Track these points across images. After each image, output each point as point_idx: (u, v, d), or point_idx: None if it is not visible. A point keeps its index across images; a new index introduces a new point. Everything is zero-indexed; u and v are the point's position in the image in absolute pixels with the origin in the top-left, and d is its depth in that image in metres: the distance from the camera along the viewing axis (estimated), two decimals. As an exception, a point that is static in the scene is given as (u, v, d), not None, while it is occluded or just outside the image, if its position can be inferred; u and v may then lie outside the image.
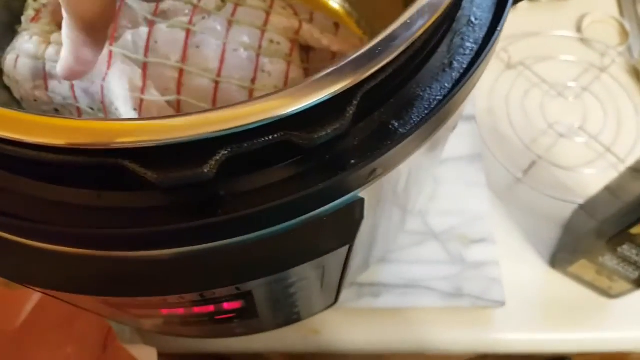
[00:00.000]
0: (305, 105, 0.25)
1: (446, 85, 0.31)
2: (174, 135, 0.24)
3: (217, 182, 0.26)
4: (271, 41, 0.47)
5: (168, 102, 0.45)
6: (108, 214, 0.27)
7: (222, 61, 0.45)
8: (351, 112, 0.27)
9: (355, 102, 0.27)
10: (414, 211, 0.71)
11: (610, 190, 0.65)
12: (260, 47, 0.46)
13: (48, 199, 0.28)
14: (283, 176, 0.29)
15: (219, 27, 0.45)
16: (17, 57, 0.48)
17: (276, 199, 0.27)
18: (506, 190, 0.76)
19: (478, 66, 0.31)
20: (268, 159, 0.28)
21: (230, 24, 0.46)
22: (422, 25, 0.27)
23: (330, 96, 0.26)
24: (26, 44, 0.47)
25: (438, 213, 0.71)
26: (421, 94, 0.31)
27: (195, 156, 0.25)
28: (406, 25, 0.27)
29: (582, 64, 0.87)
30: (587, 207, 0.69)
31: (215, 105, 0.45)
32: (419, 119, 0.30)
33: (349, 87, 0.26)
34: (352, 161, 0.29)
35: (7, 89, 0.50)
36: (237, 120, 0.24)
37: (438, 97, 0.31)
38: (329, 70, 0.26)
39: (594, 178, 0.75)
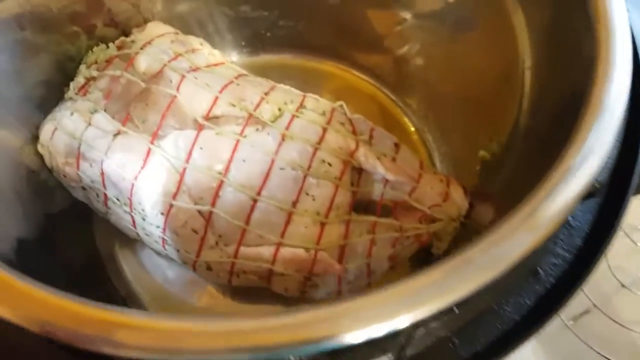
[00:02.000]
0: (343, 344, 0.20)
1: (527, 301, 0.25)
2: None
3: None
4: (322, 161, 0.43)
5: (199, 211, 0.41)
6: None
7: (266, 179, 0.41)
8: (404, 342, 0.21)
9: (411, 331, 0.22)
10: None
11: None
12: (309, 167, 0.42)
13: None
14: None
15: (271, 141, 0.41)
16: (55, 129, 0.45)
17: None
18: (552, 336, 0.68)
19: (573, 285, 0.25)
20: None
21: (283, 138, 0.42)
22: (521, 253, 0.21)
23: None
24: (66, 119, 0.44)
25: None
26: (495, 307, 0.25)
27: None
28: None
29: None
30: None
31: (248, 224, 0.41)
32: (486, 343, 0.24)
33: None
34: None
35: (40, 155, 0.47)
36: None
37: (515, 318, 0.25)
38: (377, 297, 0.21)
39: (653, 342, 0.67)
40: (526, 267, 0.26)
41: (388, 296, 0.20)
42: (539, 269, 0.26)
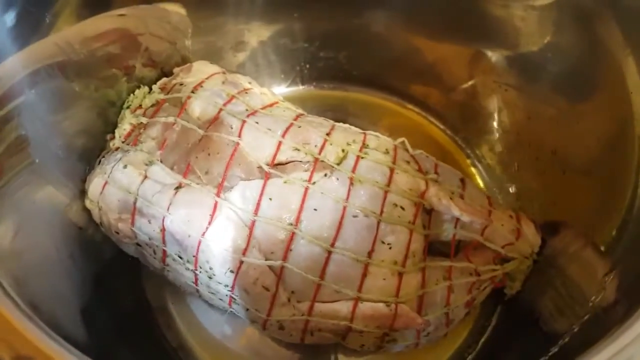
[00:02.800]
0: None
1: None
2: None
3: None
4: (394, 205, 0.40)
5: (270, 267, 0.38)
6: None
7: (339, 228, 0.38)
8: None
9: None
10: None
11: None
12: (382, 212, 0.39)
13: None
14: None
15: (340, 187, 0.38)
16: (106, 183, 0.42)
17: None
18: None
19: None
20: None
21: (352, 182, 0.39)
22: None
23: None
24: (118, 173, 0.41)
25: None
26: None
27: None
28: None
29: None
30: None
31: (323, 278, 0.38)
32: None
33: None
34: None
35: (87, 211, 0.45)
36: None
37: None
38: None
39: None
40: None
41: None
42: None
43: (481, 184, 0.55)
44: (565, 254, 0.44)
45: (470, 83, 0.53)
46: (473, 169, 0.56)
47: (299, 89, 0.62)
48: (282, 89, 0.61)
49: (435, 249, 0.44)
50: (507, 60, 0.50)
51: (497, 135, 0.54)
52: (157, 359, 0.48)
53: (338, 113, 0.59)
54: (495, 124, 0.53)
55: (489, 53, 0.50)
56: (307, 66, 0.61)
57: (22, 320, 0.24)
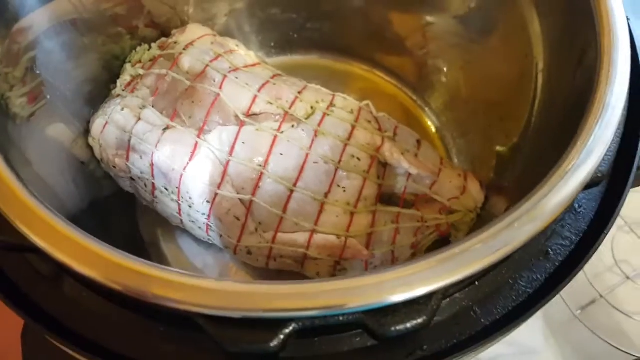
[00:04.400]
0: (391, 302, 0.24)
1: (538, 277, 0.29)
2: (250, 308, 0.23)
3: (282, 350, 0.25)
4: (352, 156, 0.46)
5: (241, 200, 0.45)
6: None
7: (301, 171, 0.45)
8: (435, 307, 0.25)
9: (441, 298, 0.25)
10: None
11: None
12: (340, 161, 0.46)
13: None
14: (350, 347, 0.28)
15: (305, 137, 0.45)
16: (106, 123, 0.49)
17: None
18: (561, 326, 0.71)
19: (578, 264, 0.29)
20: (336, 330, 0.27)
21: (316, 134, 0.46)
22: (530, 233, 0.25)
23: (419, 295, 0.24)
24: (117, 114, 0.48)
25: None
26: (510, 281, 0.29)
27: (266, 329, 0.24)
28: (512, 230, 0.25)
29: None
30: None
31: (285, 212, 0.45)
32: (503, 313, 0.28)
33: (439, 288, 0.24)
34: (425, 347, 0.27)
35: (90, 148, 0.52)
36: (317, 302, 0.23)
37: (528, 291, 0.29)
38: (417, 266, 0.25)
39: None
40: (537, 248, 0.30)
41: (425, 266, 0.24)
42: (549, 249, 0.30)
43: (442, 148, 0.62)
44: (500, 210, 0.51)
45: (425, 50, 0.61)
46: (437, 137, 0.63)
47: (288, 57, 0.68)
48: (273, 59, 0.67)
49: (392, 202, 0.50)
50: (444, 26, 0.58)
51: (449, 97, 0.61)
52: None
53: (321, 81, 0.65)
54: (444, 85, 0.62)
55: (433, 20, 0.59)
56: (296, 36, 0.66)
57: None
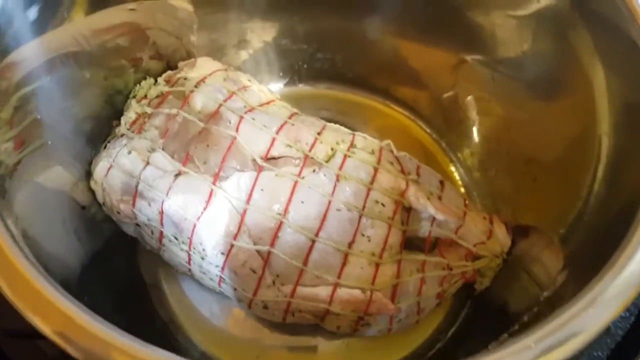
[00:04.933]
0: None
1: (600, 354, 0.26)
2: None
3: None
4: (376, 202, 0.43)
5: (258, 252, 0.41)
6: None
7: (323, 219, 0.41)
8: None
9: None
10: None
11: None
12: (364, 207, 0.43)
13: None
14: None
15: (327, 182, 0.42)
16: (110, 166, 0.45)
17: None
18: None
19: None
20: None
21: (338, 178, 0.43)
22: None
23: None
24: (123, 158, 0.45)
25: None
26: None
27: None
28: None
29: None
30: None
31: (306, 265, 0.41)
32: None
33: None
34: None
35: (92, 191, 0.48)
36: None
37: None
38: None
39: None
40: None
41: None
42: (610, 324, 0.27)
43: (461, 186, 0.59)
44: (530, 255, 0.48)
45: (454, 90, 0.57)
46: (455, 172, 0.60)
47: (296, 87, 0.65)
48: (279, 87, 0.65)
49: (413, 245, 0.47)
50: (486, 68, 0.53)
51: (477, 141, 0.57)
52: (149, 332, 0.51)
53: (331, 112, 0.63)
54: (475, 130, 0.57)
55: (471, 61, 0.54)
56: (305, 66, 0.64)
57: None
